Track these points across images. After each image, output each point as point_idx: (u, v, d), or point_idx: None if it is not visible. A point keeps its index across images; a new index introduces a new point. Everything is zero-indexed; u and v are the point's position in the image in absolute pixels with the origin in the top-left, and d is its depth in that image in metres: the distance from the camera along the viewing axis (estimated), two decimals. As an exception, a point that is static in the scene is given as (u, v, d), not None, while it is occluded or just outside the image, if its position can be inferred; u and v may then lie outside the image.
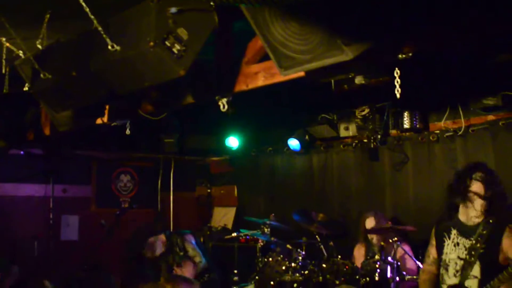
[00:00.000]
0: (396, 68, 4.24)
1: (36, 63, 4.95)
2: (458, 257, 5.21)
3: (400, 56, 3.97)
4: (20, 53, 5.21)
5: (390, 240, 6.88)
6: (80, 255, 8.79)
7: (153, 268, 7.81)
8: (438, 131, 7.62)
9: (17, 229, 8.86)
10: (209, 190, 10.94)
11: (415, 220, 7.64)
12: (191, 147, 9.68)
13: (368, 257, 7.04)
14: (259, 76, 4.89)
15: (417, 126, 7.60)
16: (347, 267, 7.02)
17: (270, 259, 7.77)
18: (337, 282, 6.91)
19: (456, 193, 5.30)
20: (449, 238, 5.33)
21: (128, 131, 6.61)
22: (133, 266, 7.75)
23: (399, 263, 6.77)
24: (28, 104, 6.68)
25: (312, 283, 7.21)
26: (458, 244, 5.26)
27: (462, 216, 5.30)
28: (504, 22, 3.55)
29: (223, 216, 10.53)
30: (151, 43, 4.01)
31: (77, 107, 5.49)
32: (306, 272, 7.34)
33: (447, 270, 5.29)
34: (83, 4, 4.10)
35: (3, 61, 5.57)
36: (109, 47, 4.24)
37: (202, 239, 9.50)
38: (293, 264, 7.47)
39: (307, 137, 8.74)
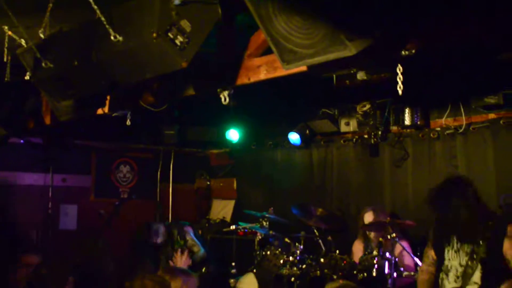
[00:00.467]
0: (399, 65, 4.24)
1: (38, 52, 4.93)
2: (460, 264, 5.21)
3: (403, 52, 3.97)
4: (22, 41, 5.20)
5: (389, 236, 6.88)
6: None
7: (152, 257, 7.85)
8: (439, 128, 7.62)
9: (16, 218, 8.85)
10: (208, 183, 10.94)
11: (414, 217, 7.62)
12: (191, 139, 9.68)
13: (366, 253, 7.04)
14: (261, 69, 4.88)
15: (418, 123, 7.59)
16: (345, 262, 7.03)
17: (268, 252, 7.78)
18: (335, 276, 6.92)
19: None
20: (449, 245, 5.33)
21: (128, 122, 6.61)
22: (134, 254, 7.76)
23: (397, 259, 6.77)
24: (29, 93, 6.67)
25: (310, 277, 7.22)
26: (458, 250, 5.25)
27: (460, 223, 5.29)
28: (505, 19, 3.56)
29: (222, 209, 10.54)
30: (154, 34, 4.00)
31: (78, 96, 5.47)
32: (304, 266, 7.36)
33: (447, 275, 5.30)
34: (87, -7, 4.09)
35: (5, 49, 5.56)
36: (112, 37, 4.23)
37: (200, 232, 9.51)
38: (291, 258, 7.49)
39: (307, 131, 8.73)
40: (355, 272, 6.85)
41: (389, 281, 6.60)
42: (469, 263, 5.12)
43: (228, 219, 10.19)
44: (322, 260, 7.22)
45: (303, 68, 4.24)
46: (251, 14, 3.95)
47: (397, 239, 6.90)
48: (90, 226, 9.11)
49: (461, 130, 7.34)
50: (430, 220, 6.04)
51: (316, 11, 3.59)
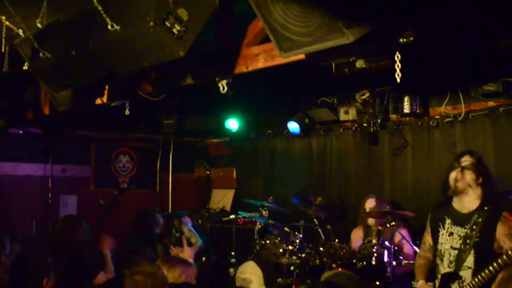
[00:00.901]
0: (397, 52, 4.22)
1: (35, 42, 4.92)
2: (452, 247, 5.21)
3: (401, 40, 3.96)
4: (20, 31, 5.18)
5: (388, 225, 6.89)
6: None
7: (151, 247, 7.85)
8: (438, 117, 7.62)
9: (15, 208, 8.87)
10: (208, 172, 10.94)
11: (413, 205, 7.66)
12: (190, 129, 9.66)
13: (366, 241, 7.05)
14: (259, 58, 4.87)
15: (417, 111, 7.59)
16: (344, 250, 7.04)
17: (268, 241, 7.80)
18: (334, 265, 6.93)
19: (448, 187, 5.32)
20: (444, 228, 5.33)
21: (127, 112, 6.59)
22: (132, 243, 7.76)
23: (396, 248, 6.78)
24: (28, 84, 6.67)
25: (309, 266, 7.24)
26: (452, 234, 5.25)
27: (456, 204, 5.30)
28: (504, 6, 3.54)
29: (222, 198, 10.55)
30: (151, 23, 3.99)
31: (76, 86, 5.46)
32: (303, 255, 7.37)
33: (442, 260, 5.30)
34: (83, -17, 4.08)
35: (3, 39, 5.53)
36: (109, 26, 4.21)
37: (200, 221, 9.51)
38: (290, 247, 7.50)
39: (306, 120, 8.72)
40: (354, 260, 6.86)
41: (388, 269, 6.61)
42: (462, 247, 5.12)
43: (228, 208, 10.20)
44: (321, 248, 7.22)
45: (301, 56, 4.23)
46: (249, 2, 3.94)
47: (396, 228, 6.90)
48: (90, 217, 9.12)
49: (460, 118, 7.34)
50: (429, 208, 6.04)
51: (314, -1, 3.58)
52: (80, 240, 6.77)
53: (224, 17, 4.98)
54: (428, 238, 5.55)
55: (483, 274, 4.85)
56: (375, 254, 6.70)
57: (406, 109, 7.57)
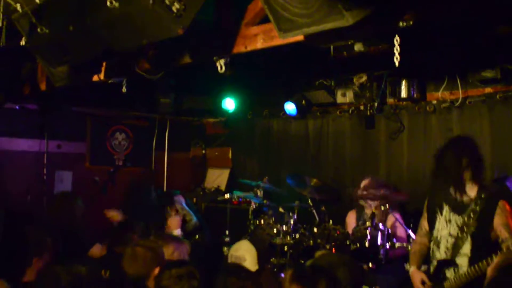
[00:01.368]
0: (396, 36, 4.22)
1: (33, 17, 4.91)
2: (450, 234, 5.23)
3: (400, 23, 3.95)
4: (18, 6, 5.15)
5: (382, 207, 6.92)
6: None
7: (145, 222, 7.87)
8: (435, 102, 7.62)
9: (10, 184, 8.86)
10: (203, 151, 10.95)
11: (408, 189, 7.68)
12: (187, 108, 9.64)
13: (359, 224, 7.08)
14: (258, 38, 4.86)
15: (414, 95, 7.58)
16: (338, 232, 7.07)
17: (262, 221, 7.83)
18: (328, 246, 6.97)
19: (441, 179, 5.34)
20: (441, 214, 5.35)
21: (124, 89, 6.58)
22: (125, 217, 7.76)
23: (389, 230, 6.81)
24: (25, 59, 6.64)
25: (303, 246, 7.28)
26: (450, 221, 5.27)
27: (454, 191, 5.30)
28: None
29: (217, 178, 10.56)
30: (150, 1, 3.98)
31: (73, 62, 5.45)
32: (297, 235, 7.40)
33: (438, 246, 5.32)
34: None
35: (0, 14, 5.50)
36: (108, 3, 4.20)
37: (195, 200, 9.54)
38: (284, 228, 7.52)
39: (303, 101, 8.72)
40: (348, 242, 6.90)
41: (382, 251, 6.65)
42: (459, 234, 5.14)
43: (223, 188, 10.21)
44: (315, 230, 7.25)
45: (300, 37, 4.23)
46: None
47: (390, 210, 6.93)
48: (85, 193, 9.13)
49: (457, 104, 7.35)
50: (424, 191, 6.05)
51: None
52: (75, 216, 6.80)
53: (223, -4, 4.96)
54: (424, 223, 5.57)
55: (480, 265, 4.87)
56: (369, 237, 6.73)
57: (403, 94, 7.57)
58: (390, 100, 7.94)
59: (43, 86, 7.04)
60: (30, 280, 4.67)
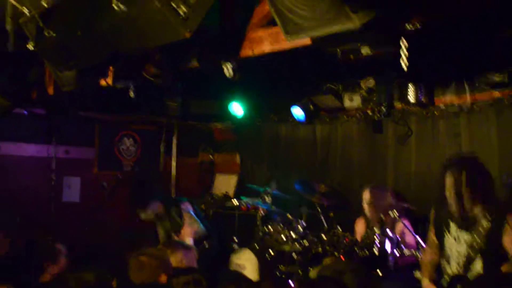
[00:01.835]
0: (403, 39, 4.20)
1: (40, 21, 4.91)
2: (459, 252, 5.20)
3: (408, 26, 3.94)
4: (25, 10, 5.16)
5: (391, 214, 6.88)
6: (81, 217, 8.85)
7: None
8: (443, 106, 7.59)
9: (18, 189, 8.87)
10: (211, 157, 10.93)
11: (416, 194, 7.65)
12: (195, 112, 9.63)
13: (368, 230, 7.05)
14: (265, 41, 4.86)
15: (422, 100, 7.53)
16: (347, 239, 7.04)
17: (270, 228, 7.79)
18: (336, 253, 6.93)
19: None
20: (449, 232, 5.31)
21: (131, 94, 6.58)
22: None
23: (398, 237, 6.78)
24: (32, 63, 6.65)
25: (311, 253, 7.24)
26: (458, 238, 5.24)
27: (459, 208, 5.25)
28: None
29: (225, 183, 10.53)
30: (157, 4, 3.97)
31: (81, 67, 5.46)
32: (306, 242, 7.37)
33: (448, 262, 5.29)
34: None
35: (8, 18, 5.51)
36: (115, 6, 4.20)
37: (203, 206, 9.52)
38: (293, 234, 7.49)
39: (311, 106, 8.69)
40: (356, 249, 6.86)
41: (390, 258, 6.61)
42: (470, 252, 5.10)
43: (231, 194, 10.18)
44: (323, 236, 7.22)
45: (307, 41, 4.23)
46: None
47: (398, 217, 6.89)
48: (93, 199, 9.15)
49: (465, 108, 7.31)
50: (432, 196, 6.02)
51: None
52: None
53: (230, 0, 4.96)
54: (433, 237, 5.53)
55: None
56: (377, 243, 6.70)
57: (411, 98, 7.51)
58: (398, 105, 7.89)
59: (50, 91, 7.05)
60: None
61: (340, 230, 7.22)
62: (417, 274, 5.89)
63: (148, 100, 8.85)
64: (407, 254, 6.69)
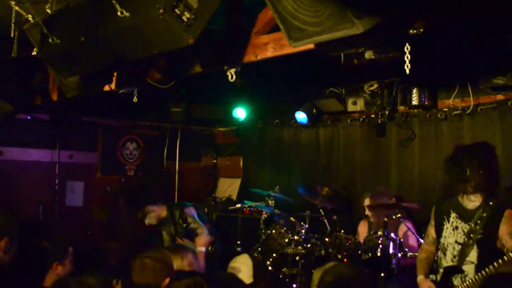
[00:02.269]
0: (407, 44, 4.21)
1: (44, 27, 4.92)
2: (456, 242, 5.20)
3: (411, 31, 3.94)
4: (29, 17, 5.18)
5: (394, 217, 6.89)
6: (85, 221, 8.87)
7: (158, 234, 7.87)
8: (446, 109, 7.61)
9: (22, 194, 8.89)
10: (214, 161, 10.94)
11: (419, 197, 7.65)
12: (198, 117, 9.66)
13: (371, 233, 7.06)
14: (268, 47, 4.85)
15: (426, 103, 7.57)
16: (349, 242, 7.05)
17: (273, 231, 7.81)
18: (339, 256, 6.94)
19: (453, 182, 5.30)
20: (448, 222, 5.31)
21: (135, 99, 6.59)
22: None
23: (401, 240, 6.79)
24: (36, 69, 6.66)
25: (314, 256, 7.25)
26: (457, 228, 5.24)
27: (461, 198, 5.27)
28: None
29: (228, 187, 10.55)
30: (161, 10, 3.98)
31: (84, 73, 5.46)
32: (309, 245, 7.39)
33: (445, 254, 5.29)
34: (93, -32, 4.07)
35: (12, 24, 5.53)
36: (119, 13, 4.20)
37: (206, 210, 9.53)
38: (296, 237, 7.51)
39: (314, 110, 8.71)
40: (359, 252, 6.87)
41: (394, 261, 6.63)
42: (466, 241, 5.11)
43: (234, 197, 10.21)
44: (327, 239, 7.23)
45: (311, 46, 4.23)
46: (259, -10, 3.93)
47: (401, 220, 6.90)
48: (97, 203, 9.16)
49: (468, 111, 7.33)
50: (435, 201, 6.02)
51: (324, -12, 3.56)
52: None
53: (233, 6, 4.97)
54: (431, 231, 5.54)
55: (487, 270, 4.84)
56: (381, 246, 6.71)
57: (415, 101, 7.55)
58: (401, 108, 7.92)
59: (54, 96, 7.06)
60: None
61: (343, 233, 7.22)
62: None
63: (152, 105, 8.89)
64: (410, 256, 6.71)
